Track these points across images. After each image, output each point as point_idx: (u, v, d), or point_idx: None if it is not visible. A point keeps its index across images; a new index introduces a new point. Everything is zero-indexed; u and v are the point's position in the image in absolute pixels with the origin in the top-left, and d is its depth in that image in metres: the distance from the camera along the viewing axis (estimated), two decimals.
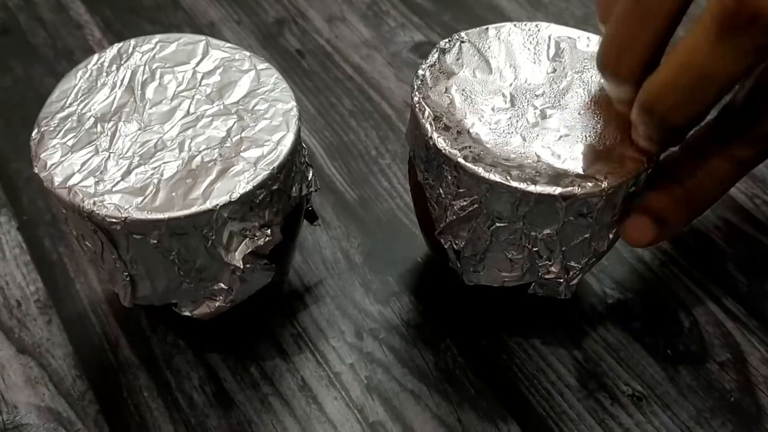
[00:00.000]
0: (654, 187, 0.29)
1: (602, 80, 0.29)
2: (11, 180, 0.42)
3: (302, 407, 0.34)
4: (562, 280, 0.29)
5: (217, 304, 0.29)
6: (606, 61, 0.26)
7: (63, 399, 0.34)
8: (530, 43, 0.32)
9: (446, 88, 0.30)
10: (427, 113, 0.29)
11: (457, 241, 0.29)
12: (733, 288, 0.38)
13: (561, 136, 0.28)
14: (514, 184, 0.26)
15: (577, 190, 0.26)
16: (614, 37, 0.26)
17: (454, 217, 0.28)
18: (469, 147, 0.28)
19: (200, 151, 0.28)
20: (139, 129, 0.29)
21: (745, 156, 0.28)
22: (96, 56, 0.31)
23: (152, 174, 0.27)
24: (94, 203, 0.26)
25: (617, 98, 0.28)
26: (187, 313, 0.30)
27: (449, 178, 0.28)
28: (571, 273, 0.29)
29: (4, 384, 0.34)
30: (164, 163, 0.28)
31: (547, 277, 0.29)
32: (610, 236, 0.29)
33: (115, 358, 0.35)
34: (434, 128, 0.28)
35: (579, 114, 0.29)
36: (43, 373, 0.34)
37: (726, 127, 0.29)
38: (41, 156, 0.28)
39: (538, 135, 0.28)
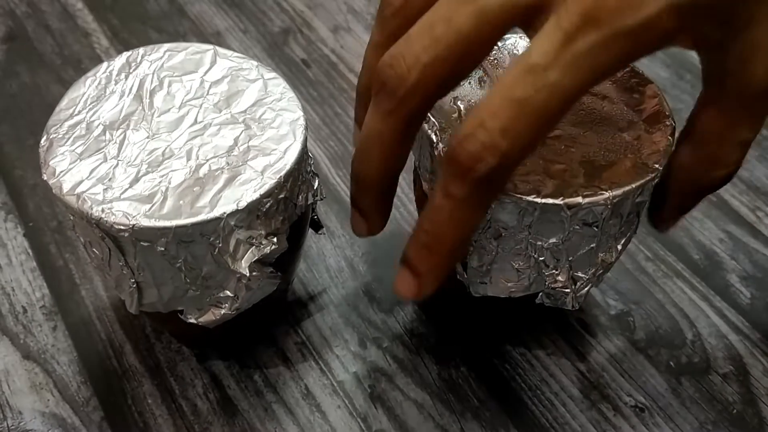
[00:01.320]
0: None
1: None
2: (17, 186, 0.42)
3: (306, 415, 0.34)
4: (569, 291, 0.29)
5: (222, 311, 0.30)
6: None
7: (67, 405, 0.34)
8: None
9: (451, 99, 0.30)
10: (431, 124, 0.29)
11: None
12: (736, 300, 0.38)
13: (565, 146, 0.28)
14: (518, 194, 0.27)
15: (581, 199, 0.26)
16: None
17: None
18: None
19: (207, 160, 0.28)
20: (147, 137, 0.29)
21: (456, 192, 0.23)
22: (105, 64, 0.32)
23: (160, 182, 0.27)
24: (102, 210, 0.26)
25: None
26: (192, 320, 0.30)
27: None
28: (579, 284, 0.29)
29: (9, 389, 0.34)
30: (172, 171, 0.28)
31: (553, 286, 0.29)
32: (618, 247, 0.29)
33: (120, 365, 0.35)
34: (439, 139, 0.28)
35: (584, 127, 0.29)
36: (47, 379, 0.35)
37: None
38: (50, 163, 0.28)
39: (541, 147, 0.28)
